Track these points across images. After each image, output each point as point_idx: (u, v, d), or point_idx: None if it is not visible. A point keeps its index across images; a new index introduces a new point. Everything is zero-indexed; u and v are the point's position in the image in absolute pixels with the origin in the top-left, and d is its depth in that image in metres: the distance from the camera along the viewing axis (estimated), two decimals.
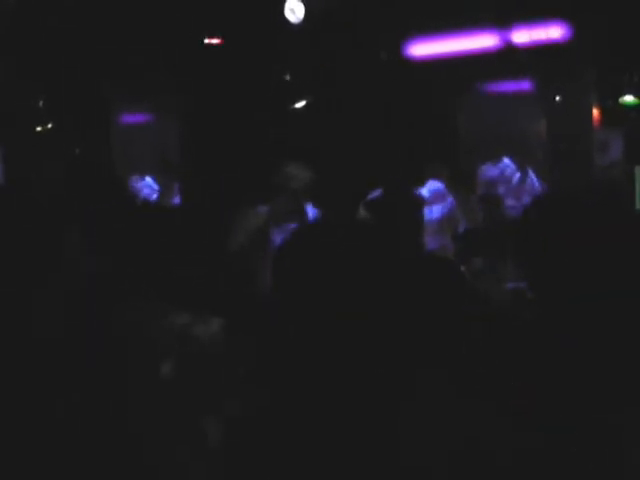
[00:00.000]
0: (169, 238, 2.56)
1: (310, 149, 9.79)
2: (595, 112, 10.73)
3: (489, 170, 10.70)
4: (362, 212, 6.36)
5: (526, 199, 9.09)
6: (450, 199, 6.98)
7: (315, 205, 5.95)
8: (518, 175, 10.66)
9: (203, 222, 2.65)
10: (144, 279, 2.50)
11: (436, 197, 6.50)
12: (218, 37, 10.57)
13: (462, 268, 5.67)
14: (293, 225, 5.47)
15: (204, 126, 11.02)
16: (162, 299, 2.47)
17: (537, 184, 10.84)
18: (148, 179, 11.99)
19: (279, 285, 2.37)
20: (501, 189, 10.30)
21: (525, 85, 11.27)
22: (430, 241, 6.41)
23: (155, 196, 11.19)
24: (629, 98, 10.73)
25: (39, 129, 11.39)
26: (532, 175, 10.90)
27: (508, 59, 10.39)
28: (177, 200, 10.49)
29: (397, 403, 2.24)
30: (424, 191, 6.47)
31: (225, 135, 10.61)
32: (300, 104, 11.47)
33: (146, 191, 11.69)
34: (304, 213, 5.74)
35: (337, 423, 2.22)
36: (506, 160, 11.03)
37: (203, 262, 2.56)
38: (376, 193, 6.39)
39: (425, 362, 2.34)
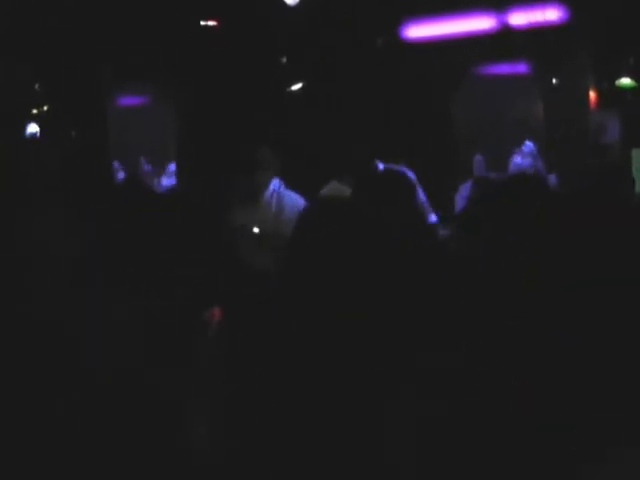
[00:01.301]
0: (169, 236, 2.57)
1: (303, 135, 9.83)
2: (592, 94, 10.71)
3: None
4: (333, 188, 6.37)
5: None
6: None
7: (286, 184, 6.09)
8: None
9: (204, 219, 2.65)
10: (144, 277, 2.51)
11: None
12: (214, 19, 10.55)
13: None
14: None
15: (200, 111, 11.00)
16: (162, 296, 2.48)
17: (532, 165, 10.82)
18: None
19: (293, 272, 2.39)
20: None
21: (521, 68, 11.24)
22: None
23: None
24: (626, 80, 10.71)
25: (35, 112, 11.36)
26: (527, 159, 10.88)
27: (505, 41, 10.36)
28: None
29: (392, 394, 2.26)
30: None
31: (221, 120, 10.59)
32: (296, 87, 11.45)
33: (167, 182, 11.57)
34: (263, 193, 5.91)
35: (334, 412, 2.24)
36: (528, 143, 11.00)
37: (203, 261, 2.57)
38: (328, 186, 6.38)
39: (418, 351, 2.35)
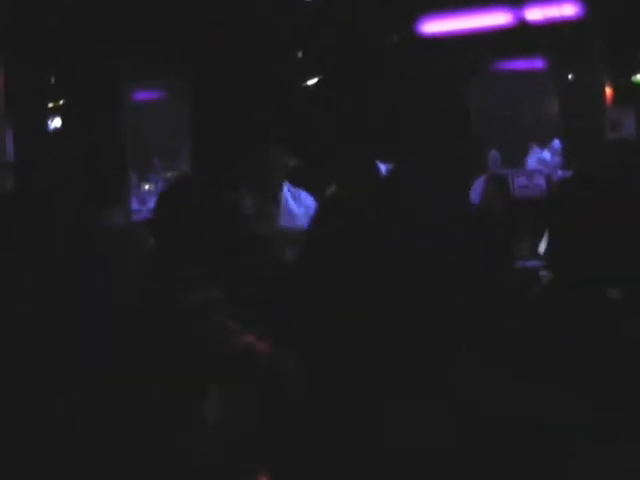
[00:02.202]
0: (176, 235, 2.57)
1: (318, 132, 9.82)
2: (607, 90, 10.68)
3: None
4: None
5: (538, 179, 9.06)
6: None
7: (297, 186, 5.99)
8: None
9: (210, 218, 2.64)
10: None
11: None
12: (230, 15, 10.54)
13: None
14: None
15: (214, 106, 11.00)
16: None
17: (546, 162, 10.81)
18: None
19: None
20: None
21: (537, 64, 11.22)
22: None
23: None
24: None
25: (51, 105, 11.36)
26: (546, 155, 10.88)
27: (521, 37, 10.34)
28: None
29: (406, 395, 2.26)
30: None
31: (234, 116, 10.59)
32: (312, 81, 11.44)
33: None
34: (279, 196, 5.81)
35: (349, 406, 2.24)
36: (556, 141, 11.00)
37: (204, 261, 2.57)
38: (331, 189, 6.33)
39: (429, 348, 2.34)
